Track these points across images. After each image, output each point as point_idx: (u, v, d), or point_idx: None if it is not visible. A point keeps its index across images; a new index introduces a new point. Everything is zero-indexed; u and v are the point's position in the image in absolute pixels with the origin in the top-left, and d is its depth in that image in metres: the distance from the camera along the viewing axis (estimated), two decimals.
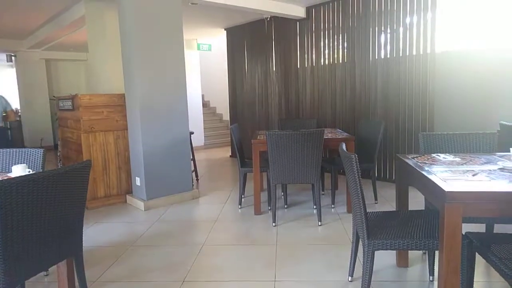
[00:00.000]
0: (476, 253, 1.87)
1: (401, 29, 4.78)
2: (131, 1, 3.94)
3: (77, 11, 5.72)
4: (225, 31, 7.45)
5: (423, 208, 2.71)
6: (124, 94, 4.35)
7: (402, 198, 2.54)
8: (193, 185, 4.68)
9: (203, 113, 8.94)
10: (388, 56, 4.95)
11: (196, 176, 5.60)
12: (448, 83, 4.82)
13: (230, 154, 7.74)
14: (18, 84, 9.93)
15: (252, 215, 3.87)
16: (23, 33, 8.02)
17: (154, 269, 2.73)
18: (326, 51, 5.70)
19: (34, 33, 7.97)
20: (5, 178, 2.13)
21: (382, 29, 4.97)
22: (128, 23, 4.00)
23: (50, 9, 6.08)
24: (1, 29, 7.45)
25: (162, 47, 4.17)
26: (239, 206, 4.16)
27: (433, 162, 2.27)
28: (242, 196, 4.22)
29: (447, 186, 1.71)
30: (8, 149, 2.68)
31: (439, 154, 2.54)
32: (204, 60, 9.09)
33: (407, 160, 2.36)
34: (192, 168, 5.05)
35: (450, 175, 1.93)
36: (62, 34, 7.22)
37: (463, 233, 1.80)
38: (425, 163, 2.26)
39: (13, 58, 9.62)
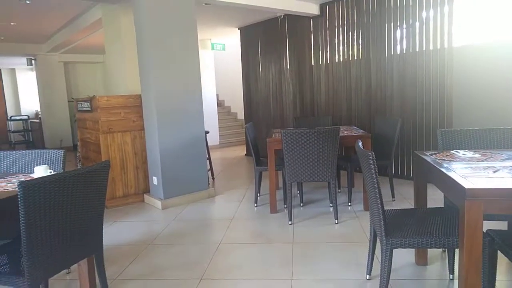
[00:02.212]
0: (498, 251, 1.83)
1: (417, 24, 4.69)
2: (146, 3, 3.99)
3: (94, 14, 5.83)
4: (239, 31, 7.47)
5: (442, 206, 2.66)
6: (140, 95, 4.41)
7: (420, 196, 2.50)
8: (209, 184, 4.72)
9: (218, 112, 8.98)
10: (404, 51, 4.87)
11: (212, 175, 5.64)
12: (467, 78, 4.71)
13: (245, 152, 7.76)
14: (38, 86, 10.19)
15: (268, 214, 3.88)
16: (42, 37, 8.23)
17: (172, 267, 2.76)
18: (341, 48, 5.65)
19: (52, 37, 8.16)
20: (28, 178, 2.20)
21: (398, 24, 4.89)
22: (144, 24, 4.06)
23: (68, 13, 6.21)
24: (22, 34, 7.66)
25: (177, 47, 4.22)
26: (255, 205, 4.17)
27: (452, 159, 2.23)
28: (258, 194, 4.23)
29: (467, 183, 1.68)
30: (29, 151, 2.76)
31: (458, 150, 2.49)
32: (218, 60, 9.13)
33: (425, 157, 2.32)
34: (208, 167, 5.09)
35: (470, 172, 1.89)
36: (79, 37, 7.37)
37: (484, 231, 1.77)
38: (444, 159, 2.22)
39: (33, 61, 9.87)
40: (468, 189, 1.62)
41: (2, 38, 7.91)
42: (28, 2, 5.26)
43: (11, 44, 8.64)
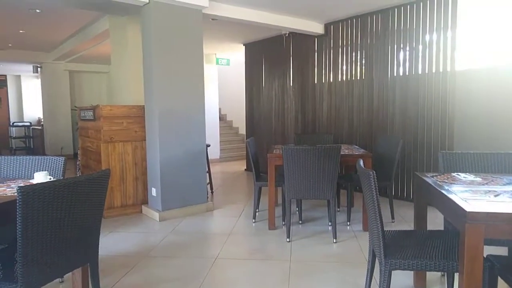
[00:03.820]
0: (499, 277, 1.80)
1: (420, 46, 4.75)
2: (154, 16, 4.06)
3: (101, 25, 5.92)
4: (244, 46, 7.56)
5: (442, 228, 2.64)
6: (143, 105, 4.44)
7: (420, 217, 2.48)
8: (207, 197, 4.70)
9: (220, 126, 9.01)
10: (407, 73, 4.92)
11: (211, 188, 5.61)
12: (469, 101, 4.74)
13: (245, 167, 7.75)
14: (42, 94, 10.27)
15: (266, 230, 3.84)
16: (49, 46, 8.33)
17: (168, 280, 2.72)
18: (344, 67, 5.70)
19: (60, 46, 8.27)
20: (28, 184, 2.19)
21: (401, 46, 4.95)
22: (150, 37, 4.12)
23: (76, 23, 6.32)
24: (30, 42, 7.77)
25: (182, 61, 4.26)
26: (253, 220, 4.14)
27: (453, 182, 2.22)
28: (257, 210, 4.21)
29: (468, 206, 1.67)
30: (30, 156, 2.76)
31: (459, 173, 2.48)
32: (222, 74, 9.21)
33: (426, 179, 2.31)
34: (208, 181, 5.07)
35: (471, 195, 1.88)
36: (86, 46, 7.47)
37: (485, 256, 1.75)
38: (444, 182, 2.21)
39: (39, 69, 9.98)
40: (469, 212, 1.61)
41: (10, 45, 8.02)
42: (38, 11, 5.36)
43: (18, 51, 8.75)
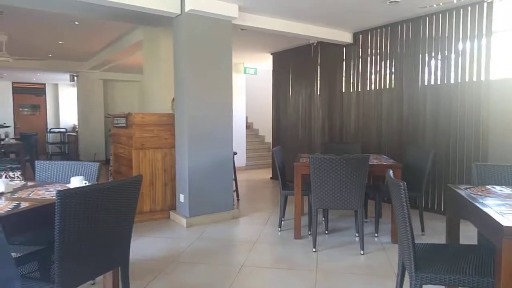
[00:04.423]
0: None
1: (452, 55, 4.63)
2: (185, 27, 4.18)
3: (135, 36, 6.15)
4: (271, 56, 7.62)
5: (476, 243, 2.54)
6: (173, 114, 4.55)
7: (453, 231, 2.40)
8: (234, 205, 4.73)
9: (246, 134, 9.08)
10: (439, 82, 4.79)
11: (237, 196, 5.65)
12: (504, 112, 4.56)
13: (271, 176, 7.74)
14: (77, 101, 10.73)
15: (291, 239, 3.82)
16: (85, 56, 8.72)
17: (194, 286, 2.76)
18: (373, 77, 5.63)
19: (95, 56, 8.63)
20: (64, 188, 2.30)
21: (433, 55, 4.84)
22: (181, 47, 4.24)
23: (111, 35, 6.59)
24: (67, 52, 8.17)
25: (211, 71, 4.36)
26: (279, 229, 4.13)
27: (488, 194, 2.14)
28: (282, 219, 4.20)
29: (505, 221, 1.61)
30: (67, 162, 2.89)
31: (494, 186, 2.39)
32: (249, 83, 9.31)
33: (459, 191, 2.24)
34: (234, 188, 5.11)
35: (507, 209, 1.81)
36: (120, 56, 7.76)
37: None
38: (479, 194, 2.14)
39: (75, 78, 10.45)
40: (506, 227, 1.55)
41: (50, 55, 8.46)
42: (76, 23, 5.63)
43: (57, 61, 9.20)
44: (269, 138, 8.73)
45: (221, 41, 4.42)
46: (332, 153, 4.45)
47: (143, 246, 3.65)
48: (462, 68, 4.55)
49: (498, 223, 1.60)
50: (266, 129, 9.39)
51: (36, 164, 2.92)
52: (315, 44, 6.46)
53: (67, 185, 2.47)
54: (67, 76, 10.68)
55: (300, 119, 6.99)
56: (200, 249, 3.57)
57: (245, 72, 8.84)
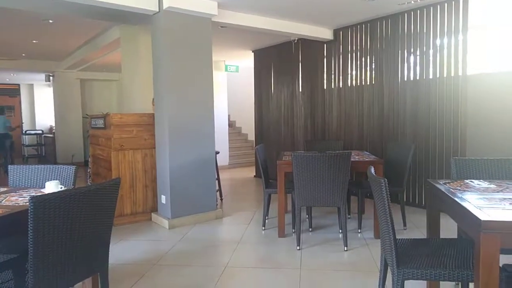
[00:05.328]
0: None
1: (431, 51, 4.70)
2: (164, 24, 4.10)
3: (112, 34, 6.00)
4: (253, 53, 7.59)
5: (456, 236, 2.59)
6: (153, 113, 4.47)
7: (433, 225, 2.43)
8: (217, 204, 4.69)
9: (229, 132, 9.03)
10: (418, 78, 4.86)
11: (220, 195, 5.61)
12: (481, 106, 4.67)
13: (255, 174, 7.73)
14: (54, 102, 10.43)
15: (275, 237, 3.81)
16: (61, 55, 8.48)
17: None
18: (353, 73, 5.68)
19: (71, 55, 8.40)
20: (39, 193, 2.21)
21: (411, 50, 4.91)
22: (160, 45, 4.16)
23: (87, 33, 6.42)
24: (42, 52, 7.91)
25: (191, 69, 4.29)
26: (263, 228, 4.12)
27: (466, 188, 2.18)
28: (266, 217, 4.18)
29: (483, 215, 1.63)
30: (42, 166, 2.79)
31: (472, 180, 2.43)
32: (231, 81, 9.25)
33: (438, 186, 2.27)
34: (217, 188, 5.07)
35: (485, 203, 1.84)
36: (97, 55, 7.58)
37: (501, 265, 1.70)
38: (457, 189, 2.17)
39: (51, 78, 10.15)
40: (484, 221, 1.57)
41: (24, 54, 8.18)
42: (50, 21, 5.46)
43: (31, 61, 8.92)
44: (252, 136, 8.71)
45: (201, 39, 4.36)
46: (315, 151, 4.47)
47: (124, 249, 3.57)
48: (440, 63, 4.62)
49: (476, 217, 1.62)
50: (248, 127, 9.37)
51: (9, 168, 2.81)
52: (295, 41, 6.46)
53: (42, 190, 2.38)
54: (42, 76, 10.36)
55: (282, 116, 6.99)
56: (183, 251, 3.52)
57: (226, 70, 8.78)
